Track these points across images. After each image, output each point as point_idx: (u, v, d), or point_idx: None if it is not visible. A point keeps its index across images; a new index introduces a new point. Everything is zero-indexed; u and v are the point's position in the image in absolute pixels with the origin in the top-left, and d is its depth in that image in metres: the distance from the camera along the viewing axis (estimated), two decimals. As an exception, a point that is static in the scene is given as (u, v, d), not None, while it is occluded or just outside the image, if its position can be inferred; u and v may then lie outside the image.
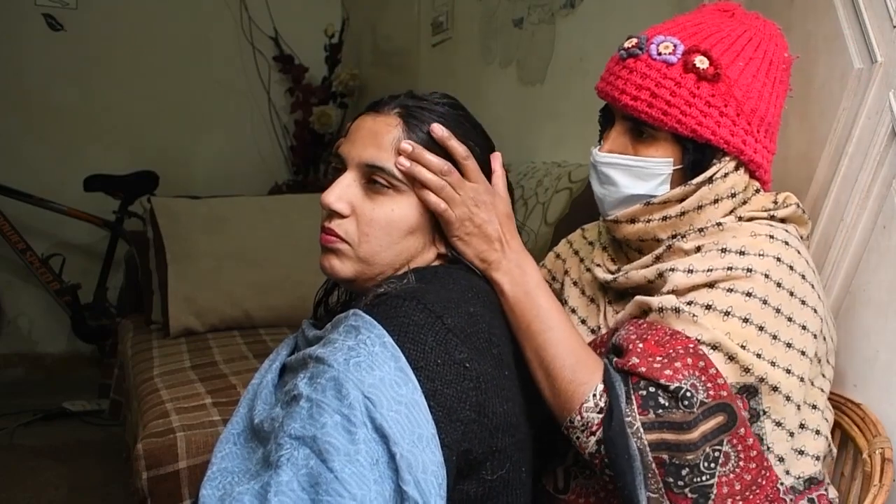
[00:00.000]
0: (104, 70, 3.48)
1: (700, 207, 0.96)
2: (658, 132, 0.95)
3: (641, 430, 0.79)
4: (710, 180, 0.95)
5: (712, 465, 0.80)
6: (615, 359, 0.86)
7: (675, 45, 0.95)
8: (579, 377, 0.85)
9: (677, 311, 0.88)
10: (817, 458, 0.91)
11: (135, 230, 3.00)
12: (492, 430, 0.79)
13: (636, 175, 0.97)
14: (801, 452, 0.91)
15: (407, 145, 0.87)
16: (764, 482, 0.83)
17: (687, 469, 0.79)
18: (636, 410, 0.80)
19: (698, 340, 0.85)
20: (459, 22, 2.76)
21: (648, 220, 0.98)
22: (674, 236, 0.97)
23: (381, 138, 0.88)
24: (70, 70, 3.42)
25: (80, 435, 2.77)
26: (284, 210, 2.61)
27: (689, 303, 0.89)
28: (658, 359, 0.82)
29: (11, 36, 3.35)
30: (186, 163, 3.64)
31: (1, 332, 3.45)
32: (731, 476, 0.81)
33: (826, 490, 0.91)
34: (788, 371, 0.88)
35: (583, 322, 1.05)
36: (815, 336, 0.91)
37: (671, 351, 0.82)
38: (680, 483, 0.79)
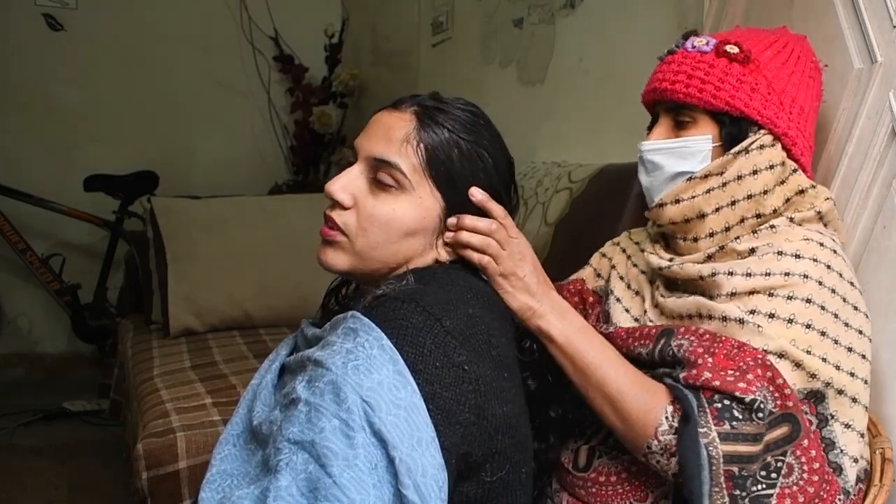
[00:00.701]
0: (104, 70, 3.48)
1: (740, 177, 0.99)
2: (696, 113, 1.01)
3: (717, 440, 0.80)
4: (746, 150, 0.99)
5: (773, 475, 0.82)
6: (684, 373, 0.86)
7: (707, 40, 1.03)
8: (647, 404, 0.86)
9: (741, 322, 0.90)
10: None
11: (135, 230, 3.00)
12: (491, 433, 0.78)
13: (679, 155, 1.02)
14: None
15: (454, 219, 0.89)
16: (825, 496, 0.84)
17: (750, 479, 0.81)
18: (711, 422, 0.81)
19: (765, 350, 0.87)
20: (459, 22, 2.76)
21: (693, 197, 1.01)
22: (717, 210, 1.00)
23: (392, 133, 0.88)
24: (70, 70, 3.42)
25: (80, 435, 2.77)
26: (284, 210, 2.61)
27: (752, 312, 0.90)
28: (730, 372, 0.83)
29: (11, 36, 3.35)
30: (186, 163, 3.64)
31: (1, 332, 3.45)
32: (795, 488, 0.82)
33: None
34: (852, 374, 0.91)
35: (626, 311, 1.07)
36: (869, 340, 0.94)
37: (741, 364, 0.84)
38: (742, 494, 0.80)
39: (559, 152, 2.10)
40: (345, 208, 0.88)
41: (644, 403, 0.86)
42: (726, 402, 0.82)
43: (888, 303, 1.04)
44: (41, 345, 3.54)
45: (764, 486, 0.81)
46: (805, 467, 0.82)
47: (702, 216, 1.01)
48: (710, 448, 0.80)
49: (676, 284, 1.03)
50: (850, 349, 0.91)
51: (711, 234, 1.01)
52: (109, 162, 3.35)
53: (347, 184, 0.88)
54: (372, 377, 0.71)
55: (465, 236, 0.89)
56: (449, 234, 0.89)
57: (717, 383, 0.83)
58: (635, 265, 1.12)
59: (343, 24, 3.77)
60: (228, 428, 0.87)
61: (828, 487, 0.84)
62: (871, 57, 1.08)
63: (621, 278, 1.12)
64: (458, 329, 0.79)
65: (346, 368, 0.72)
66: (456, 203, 0.88)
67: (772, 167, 1.00)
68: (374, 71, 3.56)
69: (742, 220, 1.00)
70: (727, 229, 1.00)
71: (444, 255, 0.90)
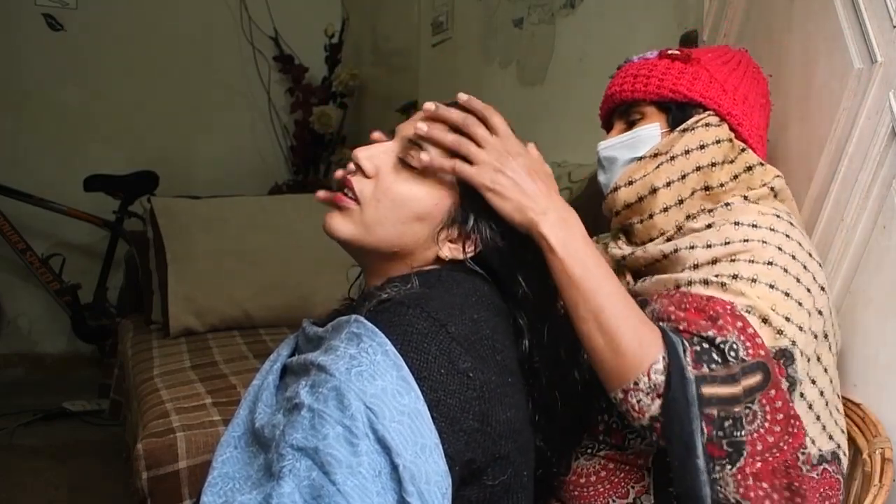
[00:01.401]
0: (104, 70, 3.48)
1: (687, 152, 1.02)
2: (644, 107, 1.06)
3: (695, 384, 0.79)
4: (692, 128, 1.03)
5: (741, 422, 0.81)
6: (660, 323, 0.86)
7: (652, 52, 1.10)
8: (646, 339, 0.82)
9: (706, 282, 0.91)
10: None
11: (135, 230, 3.00)
12: (495, 439, 0.78)
13: (631, 146, 1.06)
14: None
15: (422, 125, 0.84)
16: (786, 447, 0.83)
17: (730, 422, 0.80)
18: (691, 365, 0.80)
19: (732, 303, 0.87)
20: (459, 22, 2.76)
21: (644, 175, 1.03)
22: (668, 184, 1.02)
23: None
24: (70, 70, 3.43)
25: (80, 435, 2.77)
26: (284, 210, 2.61)
27: (716, 275, 0.92)
28: (702, 322, 0.84)
29: (11, 36, 3.36)
30: (186, 163, 3.64)
31: (1, 332, 3.45)
32: (755, 435, 0.81)
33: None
34: (815, 336, 0.92)
35: None
36: (820, 313, 0.94)
37: (712, 312, 0.84)
38: (720, 434, 0.80)
39: (559, 152, 2.10)
40: (366, 176, 0.88)
41: (644, 338, 0.82)
42: (705, 345, 0.81)
43: (888, 303, 1.04)
44: (41, 345, 3.54)
45: (743, 432, 0.81)
46: (768, 416, 0.82)
47: (654, 191, 1.02)
48: (694, 388, 0.79)
49: (641, 272, 1.04)
50: (810, 313, 0.92)
51: (665, 209, 1.02)
52: (109, 162, 3.35)
53: (375, 154, 0.88)
54: (375, 383, 0.71)
55: (435, 133, 0.83)
56: (421, 126, 0.84)
57: (692, 328, 0.83)
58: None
59: (343, 24, 3.77)
60: (229, 430, 0.86)
61: (790, 440, 0.83)
62: (871, 57, 1.08)
63: None
64: (464, 335, 0.78)
65: (350, 374, 0.71)
66: (469, 203, 0.87)
67: (718, 142, 1.02)
68: (374, 71, 3.56)
69: (693, 193, 1.02)
70: (680, 202, 1.02)
71: (446, 252, 0.88)
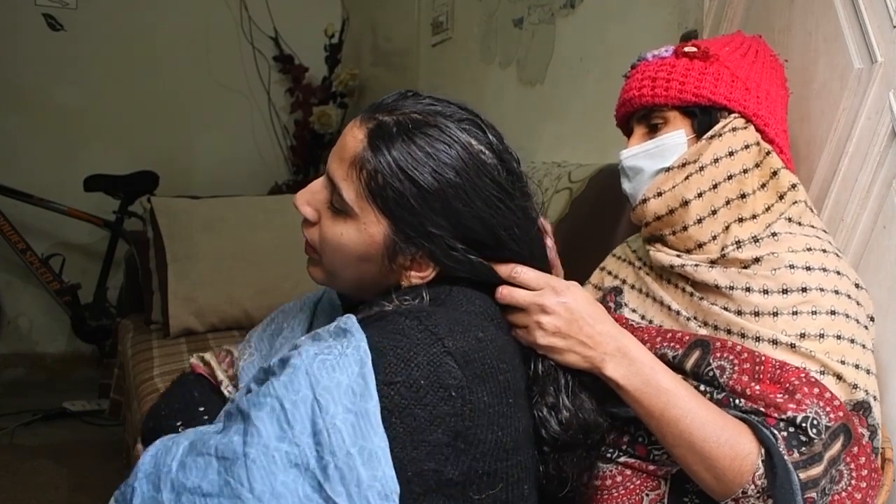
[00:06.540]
0: (104, 70, 3.48)
1: (717, 160, 1.00)
2: (666, 112, 1.02)
3: (795, 473, 0.79)
4: (719, 134, 1.00)
5: (830, 484, 0.82)
6: (741, 404, 0.86)
7: (667, 48, 1.06)
8: (741, 450, 0.81)
9: (774, 342, 0.89)
10: None
11: (135, 230, 3.00)
12: (476, 456, 0.76)
13: (657, 155, 1.03)
14: None
15: (504, 290, 0.85)
16: (870, 500, 0.84)
17: (821, 495, 0.81)
18: (785, 453, 0.80)
19: (805, 368, 0.87)
20: (459, 22, 2.76)
21: (673, 187, 1.01)
22: (700, 195, 1.00)
23: (345, 153, 0.82)
24: (70, 70, 3.42)
25: (80, 435, 2.77)
26: (284, 210, 2.61)
27: (783, 332, 0.90)
28: (779, 395, 0.83)
29: (11, 36, 3.35)
30: (186, 163, 3.64)
31: (1, 332, 3.45)
32: (843, 494, 0.82)
33: None
34: (876, 376, 0.92)
35: (642, 318, 1.05)
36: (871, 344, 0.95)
37: (788, 385, 0.84)
38: None
39: (559, 152, 2.10)
40: (312, 224, 0.87)
41: (738, 450, 0.81)
42: (791, 429, 0.81)
43: (888, 303, 1.04)
44: (41, 345, 3.53)
45: (827, 497, 0.82)
46: (854, 473, 0.83)
47: (685, 203, 1.00)
48: (796, 477, 0.79)
49: (688, 282, 1.02)
50: (872, 350, 0.92)
51: (699, 220, 1.00)
52: (109, 162, 3.35)
53: (311, 197, 0.86)
54: (333, 376, 0.70)
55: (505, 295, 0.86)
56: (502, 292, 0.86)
57: (772, 409, 0.83)
58: (640, 268, 1.10)
59: (343, 24, 3.77)
60: None
61: (872, 493, 0.85)
62: (871, 57, 1.08)
63: (633, 287, 1.10)
64: (461, 351, 0.75)
65: (314, 360, 0.71)
66: (406, 227, 0.81)
67: (747, 147, 1.00)
68: (374, 71, 3.56)
69: (727, 202, 0.99)
70: (713, 212, 1.00)
71: (411, 280, 0.84)
